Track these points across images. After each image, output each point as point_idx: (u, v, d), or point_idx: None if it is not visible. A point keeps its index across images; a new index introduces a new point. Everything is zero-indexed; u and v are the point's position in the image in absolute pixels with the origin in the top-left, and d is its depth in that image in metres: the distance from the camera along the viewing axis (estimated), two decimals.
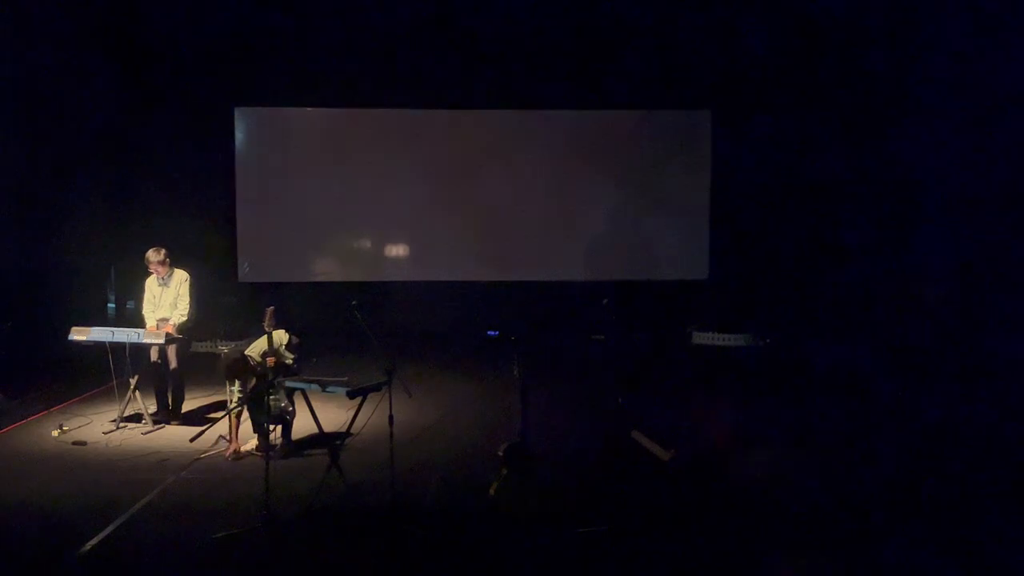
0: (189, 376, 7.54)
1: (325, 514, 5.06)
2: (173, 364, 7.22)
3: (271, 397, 5.81)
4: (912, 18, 9.87)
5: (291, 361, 6.26)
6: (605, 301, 10.39)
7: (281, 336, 6.25)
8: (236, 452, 6.24)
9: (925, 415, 7.51)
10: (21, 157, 9.61)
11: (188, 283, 7.28)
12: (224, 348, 8.39)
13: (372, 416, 5.34)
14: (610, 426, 6.93)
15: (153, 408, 7.24)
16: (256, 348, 6.20)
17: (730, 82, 11.47)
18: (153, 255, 7.16)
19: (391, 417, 5.09)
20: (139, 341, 6.94)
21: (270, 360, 6.02)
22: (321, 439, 5.74)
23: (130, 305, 10.31)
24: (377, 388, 5.24)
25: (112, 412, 7.15)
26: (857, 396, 8.16)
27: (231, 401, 6.63)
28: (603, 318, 10.74)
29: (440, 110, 11.62)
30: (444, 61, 11.32)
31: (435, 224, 11.67)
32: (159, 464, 6.09)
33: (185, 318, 7.22)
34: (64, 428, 6.88)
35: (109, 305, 11.05)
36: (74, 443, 6.58)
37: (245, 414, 6.45)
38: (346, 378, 5.39)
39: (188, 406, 7.57)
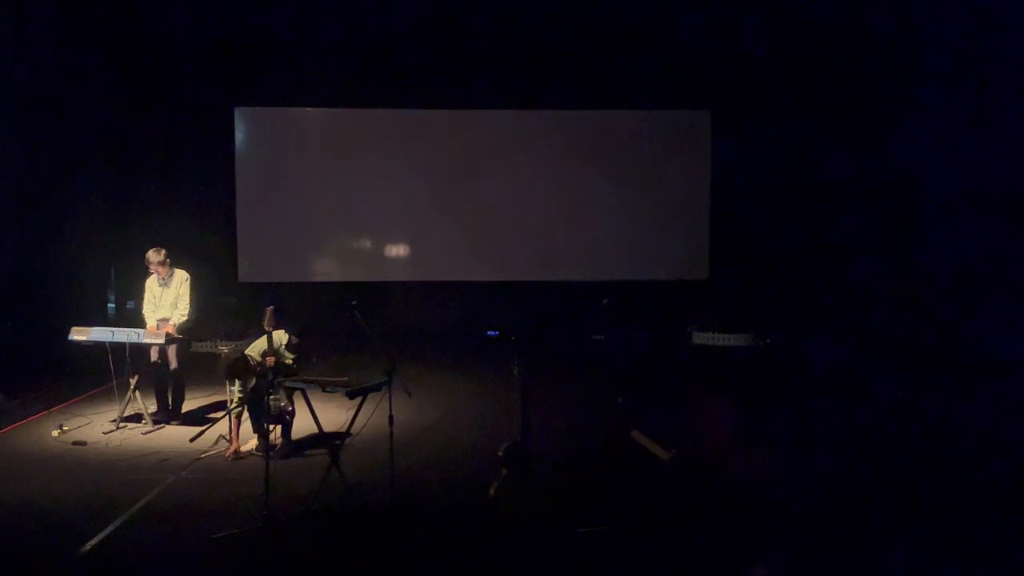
0: (189, 376, 7.54)
1: (325, 514, 5.06)
2: (173, 364, 7.22)
3: (271, 397, 5.81)
4: (912, 18, 9.87)
5: (291, 361, 6.27)
6: (605, 301, 10.38)
7: (281, 336, 6.25)
8: (236, 452, 6.24)
9: (925, 415, 7.51)
10: (21, 157, 9.61)
11: (188, 283, 7.28)
12: (224, 348, 8.38)
13: (372, 416, 5.33)
14: (610, 426, 6.93)
15: (153, 408, 7.23)
16: (256, 348, 6.20)
17: (730, 82, 11.48)
18: (153, 255, 7.16)
19: (391, 417, 5.09)
20: (139, 341, 6.94)
21: (269, 360, 6.02)
22: (321, 439, 5.73)
23: (130, 305, 10.32)
24: (377, 388, 5.24)
25: (112, 412, 7.15)
26: (857, 396, 8.16)
27: (231, 401, 6.63)
28: (603, 318, 10.74)
29: (440, 110, 11.63)
30: (444, 61, 11.33)
31: (435, 224, 11.68)
32: (159, 464, 6.09)
33: (185, 318, 7.22)
34: (64, 428, 6.88)
35: (109, 305, 11.05)
36: (74, 443, 6.58)
37: (245, 414, 6.45)
38: (346, 378, 5.39)
39: (188, 406, 7.57)
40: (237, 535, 4.71)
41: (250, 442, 6.42)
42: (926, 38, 9.80)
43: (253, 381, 6.15)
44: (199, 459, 6.17)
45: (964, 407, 7.61)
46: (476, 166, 11.73)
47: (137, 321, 7.54)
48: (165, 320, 7.17)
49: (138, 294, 7.51)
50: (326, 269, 11.74)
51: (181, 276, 7.28)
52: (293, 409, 6.24)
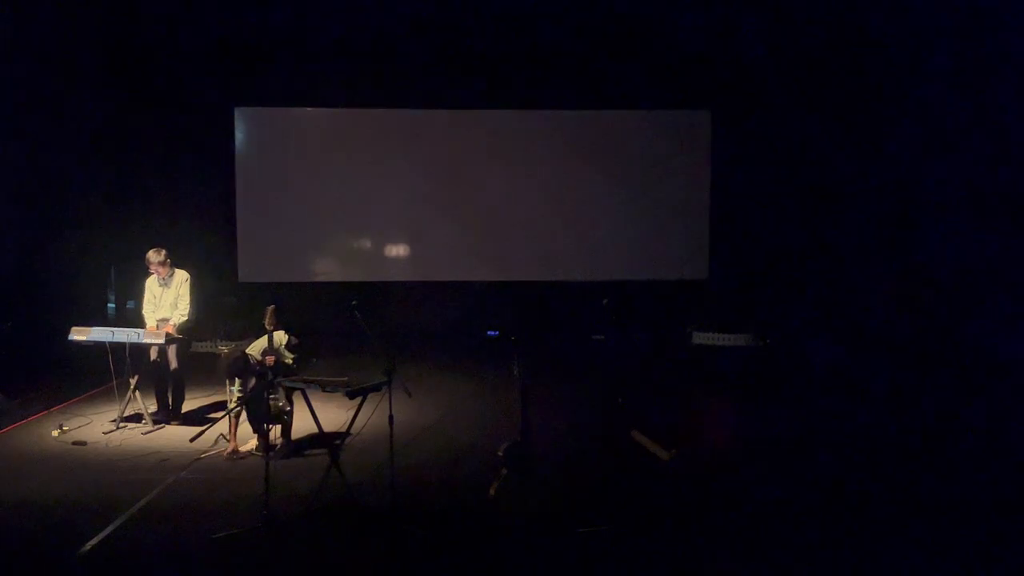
0: (189, 376, 7.54)
1: (325, 514, 5.06)
2: (173, 364, 7.22)
3: (271, 397, 5.82)
4: (912, 18, 9.87)
5: (291, 361, 6.27)
6: (605, 301, 10.39)
7: (281, 336, 6.26)
8: (235, 451, 6.24)
9: (925, 415, 7.51)
10: (21, 157, 9.62)
11: (188, 283, 7.28)
12: (224, 348, 8.39)
13: (372, 416, 5.34)
14: (610, 426, 6.93)
15: (153, 408, 7.24)
16: (257, 347, 6.21)
17: (730, 82, 11.48)
18: (154, 255, 7.16)
19: (391, 417, 5.09)
20: (139, 341, 6.94)
21: (269, 359, 6.03)
22: (321, 439, 5.74)
23: (130, 305, 10.32)
24: (377, 388, 5.24)
25: (112, 412, 7.15)
26: (856, 396, 8.16)
27: (231, 401, 6.63)
28: (603, 318, 10.75)
29: (440, 110, 11.63)
30: (444, 61, 11.33)
31: (435, 224, 11.68)
32: (159, 464, 6.09)
33: (185, 318, 7.22)
34: (64, 428, 6.88)
35: (109, 305, 11.05)
36: (74, 443, 6.58)
37: (243, 415, 6.45)
38: (346, 378, 5.39)
39: (188, 406, 7.57)
40: (237, 535, 4.71)
41: (250, 442, 6.42)
42: (926, 38, 9.80)
43: (253, 381, 6.16)
44: (199, 459, 6.17)
45: (964, 407, 7.61)
46: (476, 166, 11.73)
47: (137, 321, 7.54)
48: (165, 320, 7.17)
49: (138, 294, 7.51)
50: (326, 269, 11.74)
51: (181, 276, 7.28)
52: (291, 408, 6.24)
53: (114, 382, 6.95)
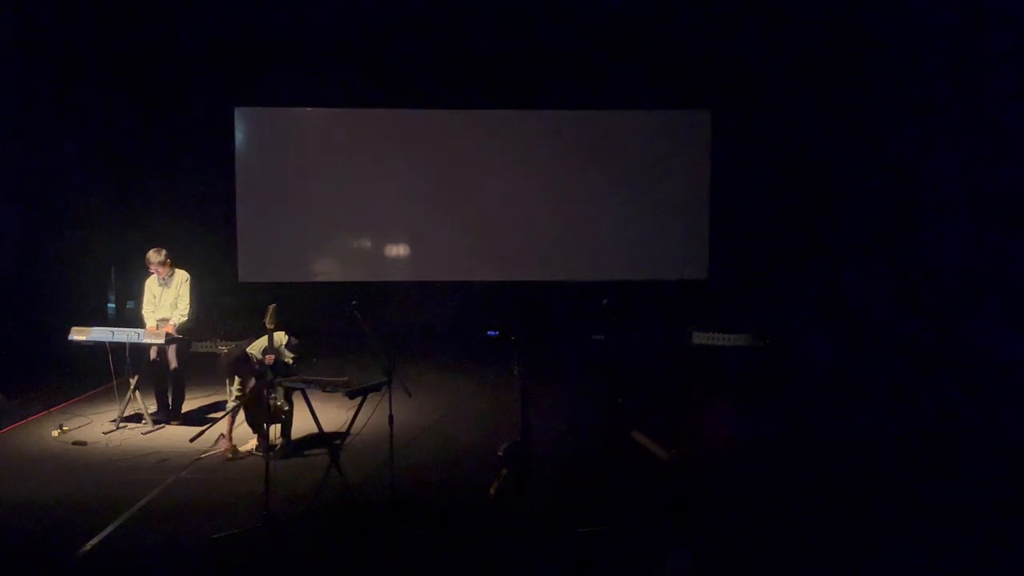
0: (189, 376, 7.54)
1: (325, 514, 5.06)
2: (173, 364, 7.22)
3: (270, 397, 5.82)
4: (912, 17, 9.87)
5: (291, 360, 6.27)
6: (605, 301, 10.37)
7: (281, 336, 6.27)
8: (231, 450, 6.24)
9: (924, 414, 7.51)
10: (21, 157, 9.62)
11: (188, 284, 7.28)
12: (223, 348, 8.39)
13: (372, 416, 5.34)
14: (610, 426, 6.93)
15: (153, 408, 7.24)
16: (257, 346, 6.22)
17: (730, 82, 11.48)
18: (154, 255, 7.16)
19: (391, 417, 5.09)
20: (139, 341, 6.94)
21: (269, 358, 6.04)
22: (321, 439, 5.74)
23: (130, 305, 10.32)
24: (377, 388, 5.24)
25: (112, 412, 7.15)
26: (856, 396, 8.16)
27: (229, 399, 6.63)
28: (603, 318, 10.73)
29: (440, 110, 11.63)
30: (444, 61, 11.33)
31: (435, 224, 11.68)
32: (159, 464, 6.09)
33: (185, 318, 7.22)
34: (64, 428, 6.88)
35: (109, 305, 11.05)
36: (74, 443, 6.58)
37: (241, 414, 6.46)
38: (346, 378, 5.39)
39: (188, 406, 7.57)
40: (237, 535, 4.71)
41: (250, 442, 6.43)
42: (926, 38, 9.79)
43: (252, 381, 6.16)
44: (199, 459, 6.17)
45: (964, 407, 7.61)
46: (476, 166, 11.73)
47: (137, 321, 7.55)
48: (165, 320, 7.17)
49: (138, 294, 7.51)
50: (326, 269, 11.74)
51: (181, 276, 7.28)
52: (289, 408, 6.24)
53: (114, 382, 6.96)
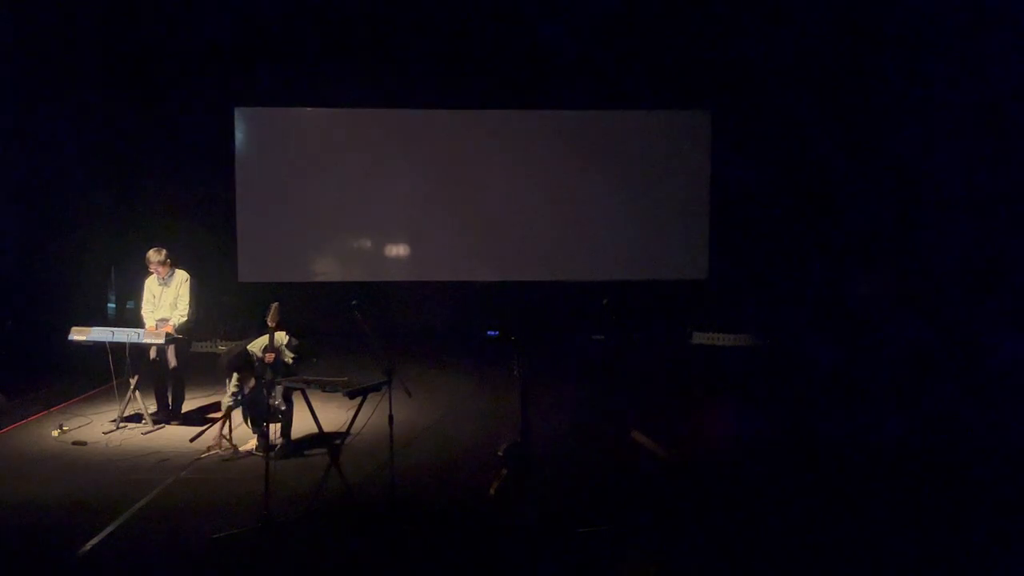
0: (189, 376, 7.54)
1: (325, 514, 5.06)
2: (172, 363, 7.22)
3: (269, 397, 5.83)
4: (912, 17, 9.87)
5: (290, 360, 6.28)
6: (605, 301, 10.37)
7: (282, 336, 6.28)
8: (230, 449, 6.24)
9: (924, 414, 7.51)
10: (21, 157, 9.62)
11: (188, 284, 7.28)
12: (223, 347, 8.39)
13: (372, 416, 5.34)
14: (610, 426, 6.93)
15: (153, 408, 7.24)
16: (257, 344, 6.23)
17: (730, 82, 11.48)
18: (154, 255, 7.16)
19: (391, 417, 5.09)
20: (139, 341, 6.94)
21: (269, 356, 6.04)
22: (321, 439, 5.74)
23: (130, 305, 10.32)
24: (377, 388, 5.24)
25: (112, 412, 7.15)
26: (856, 396, 8.16)
27: (227, 396, 6.62)
28: (603, 318, 10.73)
29: (440, 110, 11.63)
30: (444, 61, 11.33)
31: (435, 224, 11.68)
32: (159, 464, 6.09)
33: (185, 318, 7.22)
34: (64, 428, 6.88)
35: (109, 305, 11.05)
36: (74, 443, 6.58)
37: (239, 412, 6.45)
38: (346, 378, 5.39)
39: (188, 406, 7.57)
40: (237, 535, 4.71)
41: (250, 442, 6.43)
42: (926, 37, 9.80)
43: (252, 382, 6.16)
44: (199, 459, 6.17)
45: (964, 407, 7.60)
46: (476, 166, 11.73)
47: (137, 321, 7.55)
48: (164, 320, 7.17)
49: (138, 294, 7.51)
50: (326, 269, 11.74)
51: (181, 276, 7.28)
52: (287, 408, 6.24)
53: (114, 382, 6.95)
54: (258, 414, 6.19)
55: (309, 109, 11.62)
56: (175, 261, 7.30)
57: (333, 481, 5.19)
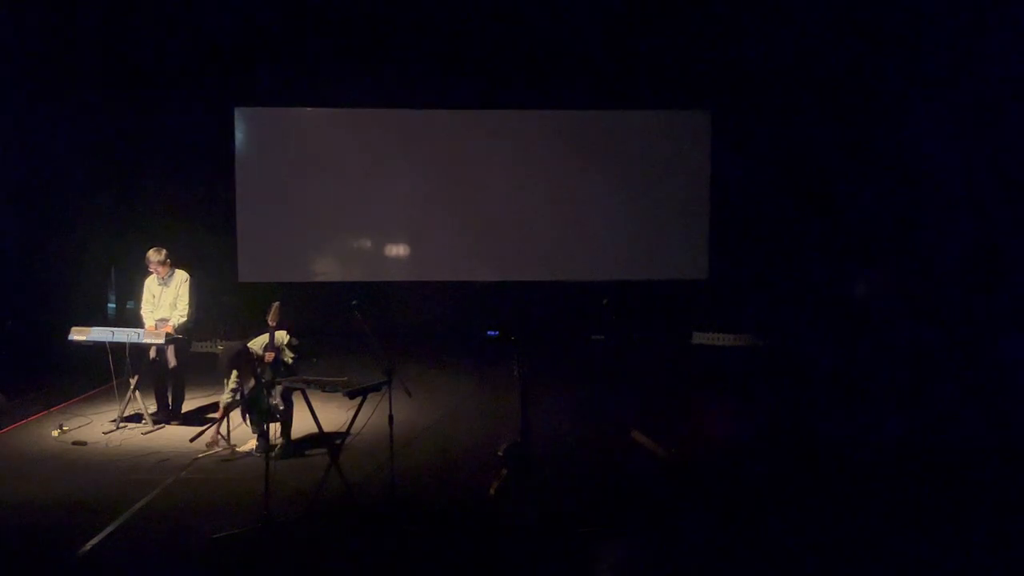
0: (189, 376, 7.54)
1: (325, 514, 5.06)
2: (171, 363, 7.21)
3: (268, 396, 5.83)
4: (912, 17, 9.87)
5: (290, 360, 6.28)
6: (605, 301, 10.37)
7: (283, 335, 6.28)
8: (224, 448, 6.23)
9: (925, 414, 7.51)
10: (21, 157, 9.62)
11: (188, 284, 7.28)
12: (222, 347, 8.37)
13: (372, 416, 5.33)
14: (610, 426, 6.93)
15: (153, 408, 7.24)
16: (258, 343, 6.23)
17: (730, 82, 11.48)
18: (154, 255, 7.16)
19: (391, 417, 5.09)
20: (139, 341, 6.94)
21: (269, 355, 6.04)
22: (321, 439, 5.73)
23: (130, 305, 10.32)
24: (377, 388, 5.24)
25: (112, 412, 7.15)
26: (856, 395, 8.16)
27: (226, 391, 6.60)
28: (603, 318, 10.74)
29: (440, 110, 11.63)
30: (444, 61, 11.33)
31: (435, 224, 11.68)
32: (159, 464, 6.09)
33: (184, 318, 7.22)
34: (64, 428, 6.88)
35: (109, 305, 11.06)
36: (74, 443, 6.58)
37: (237, 410, 6.45)
38: (346, 378, 5.39)
39: (188, 406, 7.57)
40: (237, 535, 4.71)
41: (250, 442, 6.43)
42: (926, 37, 9.80)
43: (252, 382, 6.16)
44: (198, 459, 6.17)
45: (964, 406, 7.60)
46: (476, 166, 11.73)
47: (137, 321, 7.55)
48: (164, 320, 7.17)
49: (138, 294, 7.51)
50: (326, 269, 11.74)
51: (181, 276, 7.28)
52: (284, 408, 6.23)
53: (114, 382, 6.95)
54: (258, 414, 6.19)
55: (309, 109, 11.62)
56: (175, 261, 7.30)
57: (333, 481, 5.19)
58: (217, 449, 6.30)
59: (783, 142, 11.30)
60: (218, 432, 6.34)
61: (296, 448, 6.35)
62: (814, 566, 4.49)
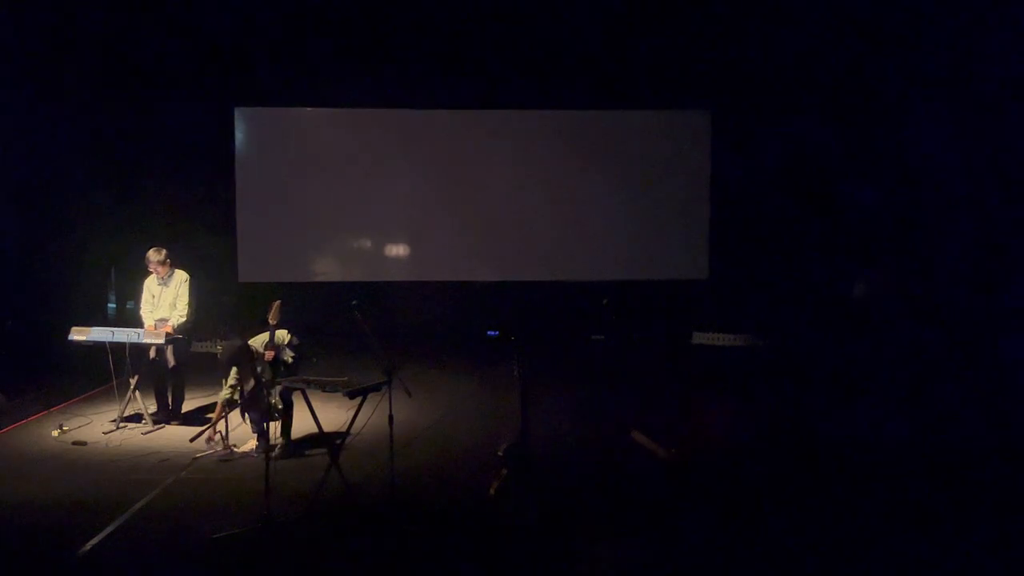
0: (189, 376, 7.54)
1: (325, 514, 5.06)
2: (171, 363, 7.21)
3: (267, 396, 5.83)
4: (912, 17, 9.87)
5: (290, 359, 6.28)
6: (605, 301, 10.38)
7: (283, 334, 6.28)
8: (224, 447, 6.24)
9: (925, 414, 7.51)
10: (21, 157, 9.61)
11: (188, 284, 7.28)
12: (221, 348, 8.37)
13: (372, 416, 5.34)
14: (610, 426, 6.93)
15: (153, 408, 7.24)
16: (258, 341, 6.23)
17: (730, 82, 11.47)
18: (154, 255, 7.16)
19: (391, 417, 5.09)
20: (139, 341, 6.94)
21: (268, 354, 6.04)
22: (321, 439, 5.73)
23: (130, 305, 10.32)
24: (377, 388, 5.25)
25: (112, 412, 7.15)
26: (856, 395, 8.15)
27: (224, 388, 6.59)
28: (603, 318, 10.74)
29: (440, 110, 11.62)
30: (444, 61, 11.32)
31: (435, 224, 11.67)
32: (159, 464, 6.10)
33: (184, 319, 7.22)
34: (64, 428, 6.88)
35: (109, 305, 11.06)
36: (74, 443, 6.58)
37: (235, 409, 6.45)
38: (346, 378, 5.39)
39: (188, 406, 7.57)
40: (237, 535, 4.71)
41: (250, 442, 6.43)
42: (926, 37, 9.80)
43: (252, 382, 6.16)
44: (197, 458, 6.17)
45: (964, 406, 7.60)
46: (476, 166, 11.73)
47: (137, 321, 7.55)
48: (163, 320, 7.17)
49: (138, 294, 7.51)
50: (326, 269, 11.73)
51: (181, 276, 7.28)
52: (282, 407, 6.23)
53: (114, 382, 6.96)
54: (257, 412, 6.19)
55: (309, 109, 11.62)
56: (175, 261, 7.30)
57: (333, 481, 5.19)
58: (216, 448, 6.29)
59: (783, 142, 11.29)
60: (215, 427, 6.31)
61: (296, 448, 6.35)
62: (814, 566, 4.49)
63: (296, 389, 5.80)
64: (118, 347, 6.88)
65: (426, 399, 7.94)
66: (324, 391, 5.39)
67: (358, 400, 5.28)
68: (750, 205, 11.50)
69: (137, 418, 7.14)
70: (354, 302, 5.42)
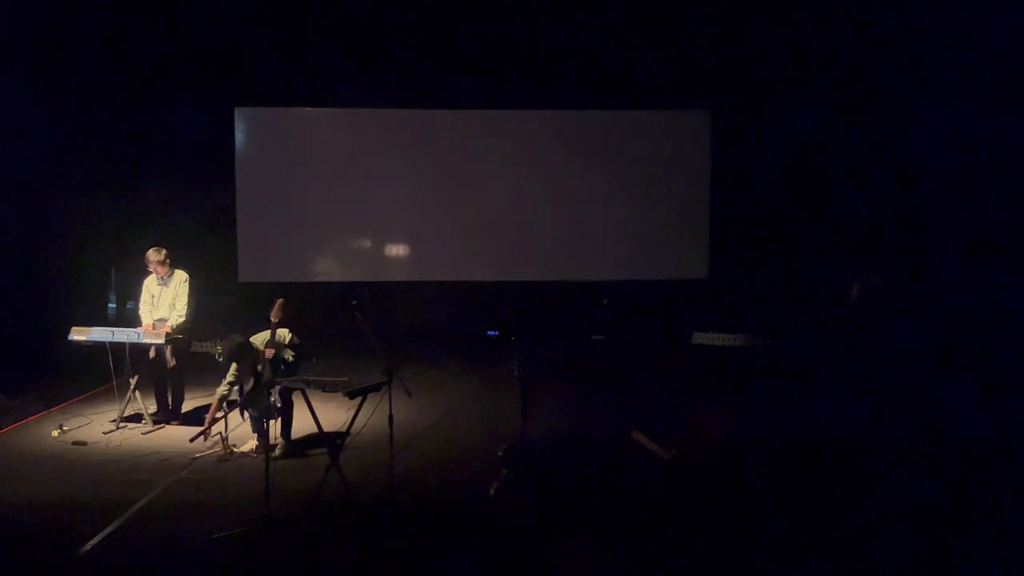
0: (189, 376, 7.54)
1: (325, 514, 5.06)
2: (170, 363, 7.21)
3: (267, 395, 5.82)
4: (914, 17, 9.87)
5: (290, 358, 6.28)
6: (605, 301, 10.38)
7: (284, 333, 6.28)
8: (225, 447, 6.24)
9: (925, 414, 7.51)
10: (21, 157, 9.61)
11: (187, 284, 7.28)
12: (221, 348, 8.37)
13: (372, 416, 5.34)
14: (610, 426, 6.93)
15: (153, 408, 7.24)
16: (259, 339, 6.24)
17: (730, 82, 11.48)
18: (153, 255, 7.16)
19: (391, 417, 5.09)
20: (139, 341, 6.94)
21: (269, 352, 6.04)
22: (321, 439, 5.73)
23: (130, 305, 10.30)
24: (377, 388, 5.25)
25: (112, 412, 7.15)
26: (856, 396, 8.16)
27: (223, 385, 6.58)
28: (603, 318, 10.73)
29: (440, 110, 11.62)
30: (444, 61, 11.32)
31: (435, 224, 11.67)
32: (159, 464, 6.10)
33: (183, 319, 7.22)
34: (64, 428, 6.88)
35: (109, 305, 11.05)
36: (74, 443, 6.58)
37: (234, 407, 6.44)
38: (346, 378, 5.39)
39: (188, 406, 7.57)
40: (237, 535, 4.71)
41: (249, 442, 6.43)
42: (927, 37, 9.80)
43: (251, 381, 6.16)
44: (196, 458, 6.17)
45: (964, 406, 7.61)
46: (476, 166, 11.73)
47: (137, 321, 7.55)
48: (163, 320, 7.17)
49: (138, 294, 7.51)
50: (326, 269, 11.73)
51: (180, 276, 7.28)
52: (281, 407, 6.22)
53: (114, 382, 6.96)
54: (256, 411, 6.19)
55: (309, 109, 11.62)
56: (175, 261, 7.30)
57: (333, 481, 5.19)
58: (216, 449, 6.29)
59: (783, 142, 11.29)
60: (210, 423, 6.28)
61: (296, 448, 6.35)
62: (814, 566, 4.49)
63: (296, 389, 5.80)
64: (118, 347, 6.88)
65: (426, 399, 7.94)
66: (324, 391, 5.39)
67: (358, 400, 5.28)
68: (750, 205, 11.50)
69: (137, 418, 7.14)
70: (354, 302, 5.43)
